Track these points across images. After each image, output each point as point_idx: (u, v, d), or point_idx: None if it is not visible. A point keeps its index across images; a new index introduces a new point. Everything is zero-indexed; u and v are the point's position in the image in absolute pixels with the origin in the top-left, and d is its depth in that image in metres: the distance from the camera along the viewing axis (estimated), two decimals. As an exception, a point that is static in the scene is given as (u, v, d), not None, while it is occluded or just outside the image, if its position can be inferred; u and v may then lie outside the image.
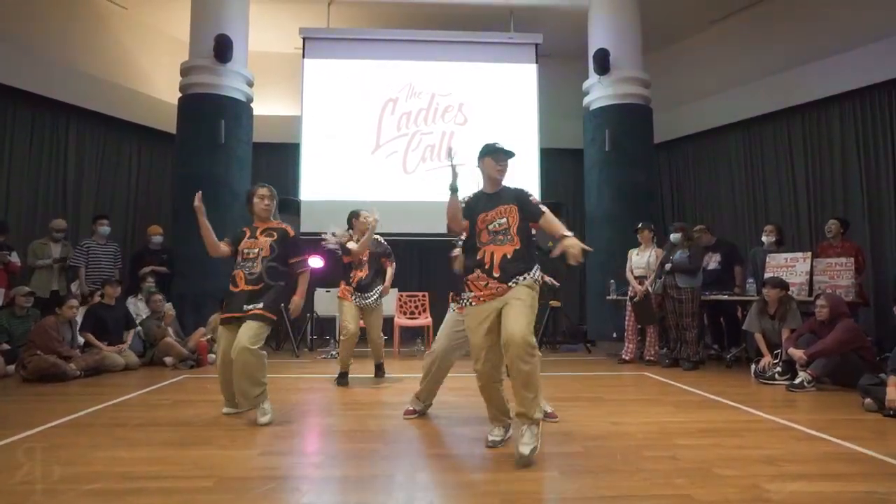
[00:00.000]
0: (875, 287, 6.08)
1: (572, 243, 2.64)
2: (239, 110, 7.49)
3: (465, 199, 2.97)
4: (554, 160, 8.45)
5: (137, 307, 6.18)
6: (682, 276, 5.60)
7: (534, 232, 3.00)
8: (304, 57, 8.01)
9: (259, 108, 8.02)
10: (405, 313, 7.23)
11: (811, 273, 5.56)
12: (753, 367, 5.11)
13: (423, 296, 7.33)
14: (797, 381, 4.45)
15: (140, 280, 6.42)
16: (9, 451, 2.77)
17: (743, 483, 2.30)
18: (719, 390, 4.39)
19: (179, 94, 7.48)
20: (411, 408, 3.56)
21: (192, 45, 7.44)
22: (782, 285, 5.18)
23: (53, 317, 5.20)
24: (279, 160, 8.50)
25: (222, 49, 7.12)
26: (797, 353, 4.57)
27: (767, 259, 5.90)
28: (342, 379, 4.71)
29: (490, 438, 2.85)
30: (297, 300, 3.58)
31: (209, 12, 7.36)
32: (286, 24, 8.16)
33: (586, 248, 2.67)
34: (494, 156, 2.91)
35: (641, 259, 6.11)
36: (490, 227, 2.85)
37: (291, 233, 3.58)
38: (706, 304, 6.13)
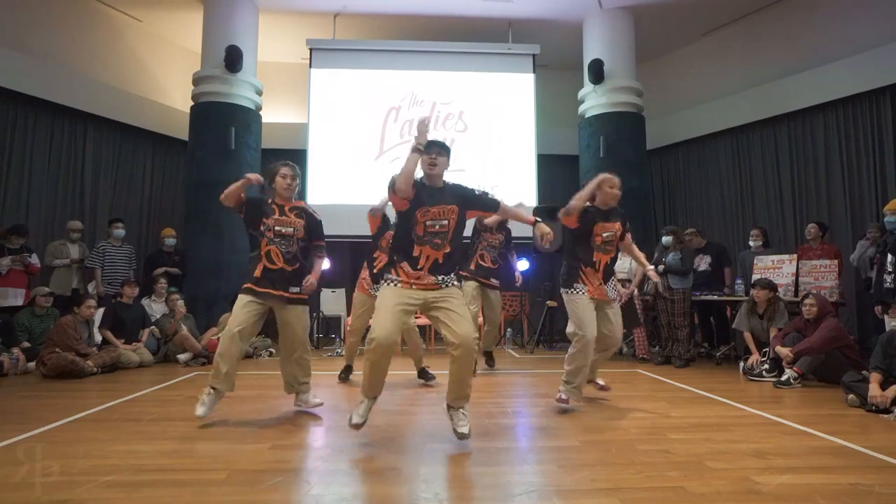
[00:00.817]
0: (856, 288, 6.08)
1: (544, 228, 3.01)
2: (248, 118, 7.50)
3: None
4: (550, 166, 8.44)
5: (152, 307, 6.18)
6: (674, 277, 5.60)
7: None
8: (310, 67, 8.02)
9: (267, 116, 8.03)
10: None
11: (797, 274, 5.59)
12: (742, 364, 5.11)
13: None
14: (784, 377, 4.46)
15: (153, 281, 6.43)
16: (29, 444, 2.77)
17: (734, 476, 2.30)
18: (710, 387, 4.39)
19: (192, 103, 7.50)
20: (565, 396, 3.51)
21: (203, 56, 7.45)
22: (771, 286, 5.19)
23: (71, 316, 5.21)
24: (287, 166, 8.50)
25: (232, 59, 7.14)
26: (784, 351, 4.57)
27: (755, 261, 5.92)
28: (345, 374, 4.67)
29: (358, 419, 2.80)
30: (312, 280, 3.43)
31: (220, 24, 7.37)
32: (294, 36, 8.17)
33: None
34: (427, 150, 2.82)
35: (624, 263, 6.07)
36: (428, 223, 2.78)
37: (317, 215, 3.52)
38: (697, 304, 6.16)
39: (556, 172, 8.68)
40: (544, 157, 8.16)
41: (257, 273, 3.28)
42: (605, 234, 3.54)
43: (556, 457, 2.59)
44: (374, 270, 4.40)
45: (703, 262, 6.28)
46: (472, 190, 2.97)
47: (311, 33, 8.07)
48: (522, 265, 7.53)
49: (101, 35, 7.66)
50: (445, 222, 2.79)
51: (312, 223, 3.46)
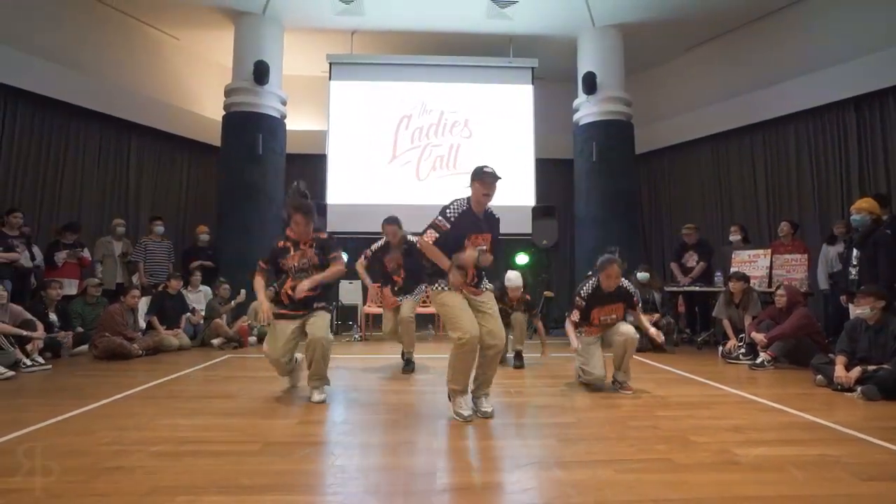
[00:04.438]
0: (830, 279, 6.06)
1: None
2: (274, 126, 7.50)
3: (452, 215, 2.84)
4: (547, 169, 8.42)
5: (188, 297, 6.22)
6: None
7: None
8: (330, 79, 8.00)
9: (291, 124, 8.03)
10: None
11: (770, 267, 5.58)
12: (721, 349, 5.11)
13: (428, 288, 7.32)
14: (758, 360, 4.47)
15: (189, 274, 6.47)
16: (88, 417, 2.83)
17: (715, 448, 2.32)
18: (692, 369, 4.40)
19: (223, 112, 7.51)
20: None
21: (234, 70, 7.46)
22: (745, 279, 5.20)
23: (118, 304, 5.26)
24: (309, 169, 8.47)
25: (260, 73, 7.14)
26: (758, 337, 4.58)
27: (733, 255, 5.93)
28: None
29: (486, 409, 2.86)
30: (317, 277, 3.26)
31: (249, 41, 7.38)
32: (315, 51, 8.15)
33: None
34: (481, 179, 2.80)
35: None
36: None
37: (324, 236, 3.43)
38: (684, 295, 6.21)
39: (553, 175, 8.67)
40: (542, 160, 8.14)
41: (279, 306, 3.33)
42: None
43: (555, 432, 2.61)
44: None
45: (690, 259, 6.30)
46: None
47: (331, 49, 8.05)
48: (521, 259, 7.55)
49: (144, 52, 7.68)
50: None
51: (325, 246, 3.35)
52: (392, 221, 4.32)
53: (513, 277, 4.52)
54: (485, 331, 2.78)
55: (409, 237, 4.29)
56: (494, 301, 2.98)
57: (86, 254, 5.81)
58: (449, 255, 2.80)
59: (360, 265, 4.48)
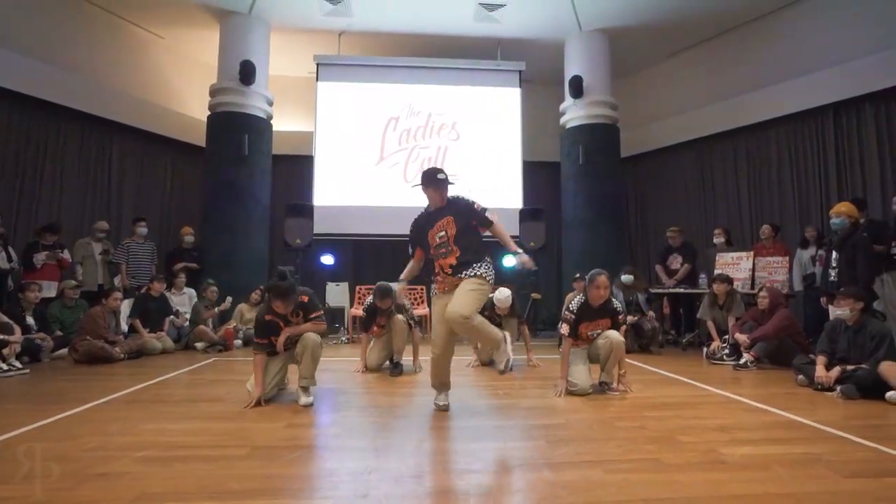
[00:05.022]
0: (804, 282, 6.19)
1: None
2: (261, 126, 7.44)
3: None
4: (535, 172, 8.48)
5: (172, 300, 6.13)
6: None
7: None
8: (317, 80, 7.96)
9: (278, 125, 7.97)
10: (406, 303, 7.21)
11: (753, 269, 5.69)
12: (705, 350, 5.18)
13: (422, 289, 7.34)
14: (742, 361, 4.54)
15: (173, 275, 6.37)
16: (71, 422, 2.77)
17: (702, 448, 2.35)
18: (677, 370, 4.46)
19: (209, 112, 7.42)
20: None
21: (220, 70, 7.37)
22: (728, 281, 5.28)
23: (100, 307, 5.16)
24: (295, 170, 8.46)
25: (246, 73, 7.07)
26: (742, 338, 4.65)
27: (717, 257, 6.02)
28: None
29: (442, 403, 3.09)
30: (289, 330, 3.30)
31: (235, 41, 7.31)
32: (302, 52, 8.10)
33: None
34: (424, 186, 3.05)
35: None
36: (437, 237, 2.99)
37: (306, 299, 3.36)
38: (669, 296, 6.28)
39: (540, 177, 8.73)
40: (529, 163, 8.19)
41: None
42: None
43: (544, 433, 2.62)
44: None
45: (675, 261, 6.38)
46: (468, 201, 3.13)
47: (318, 50, 8.01)
48: (509, 261, 7.58)
49: (128, 51, 7.55)
50: (444, 233, 2.97)
51: (306, 309, 3.37)
52: (387, 295, 4.34)
53: (502, 298, 4.53)
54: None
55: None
56: (468, 285, 2.85)
57: (66, 255, 5.69)
58: (426, 257, 3.13)
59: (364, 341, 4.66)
